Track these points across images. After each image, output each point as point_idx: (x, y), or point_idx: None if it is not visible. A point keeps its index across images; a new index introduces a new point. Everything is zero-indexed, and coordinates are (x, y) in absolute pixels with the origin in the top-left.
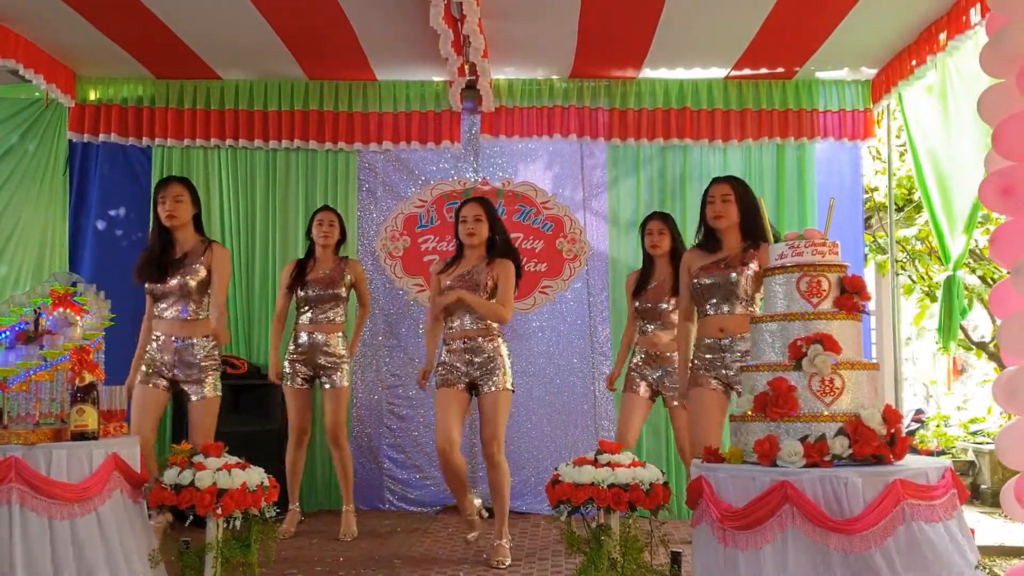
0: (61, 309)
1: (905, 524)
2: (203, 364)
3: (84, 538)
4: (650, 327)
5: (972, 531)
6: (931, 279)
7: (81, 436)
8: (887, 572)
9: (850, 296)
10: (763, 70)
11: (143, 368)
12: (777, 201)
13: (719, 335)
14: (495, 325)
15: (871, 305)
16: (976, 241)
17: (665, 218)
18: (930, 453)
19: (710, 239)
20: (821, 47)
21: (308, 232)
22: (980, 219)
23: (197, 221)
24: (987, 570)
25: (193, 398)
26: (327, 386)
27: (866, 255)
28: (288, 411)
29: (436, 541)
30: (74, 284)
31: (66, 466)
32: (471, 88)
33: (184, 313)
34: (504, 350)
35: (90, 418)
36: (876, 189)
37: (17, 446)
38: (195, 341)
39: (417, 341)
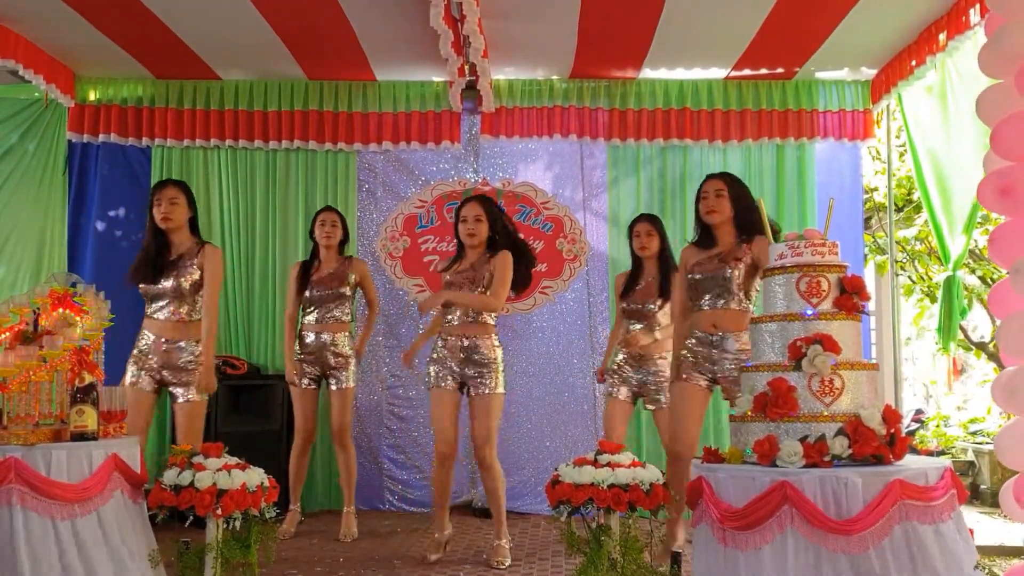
0: (61, 309)
1: (904, 525)
2: (190, 368)
3: (86, 538)
4: (635, 327)
5: (971, 531)
6: (931, 279)
7: (81, 436)
8: (887, 572)
9: (850, 296)
10: (763, 70)
11: (131, 368)
12: (777, 201)
13: (712, 330)
14: (491, 323)
15: (871, 305)
16: (976, 241)
17: (653, 220)
18: (930, 453)
19: (705, 235)
20: (821, 47)
21: (311, 233)
22: (980, 219)
23: (193, 224)
24: (986, 570)
25: (179, 400)
26: (333, 387)
27: (866, 255)
28: (295, 412)
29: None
30: (73, 284)
31: (66, 467)
32: (471, 88)
33: (176, 315)
34: (499, 352)
35: (90, 419)
36: (876, 189)
37: (17, 447)
38: (183, 344)
39: None
